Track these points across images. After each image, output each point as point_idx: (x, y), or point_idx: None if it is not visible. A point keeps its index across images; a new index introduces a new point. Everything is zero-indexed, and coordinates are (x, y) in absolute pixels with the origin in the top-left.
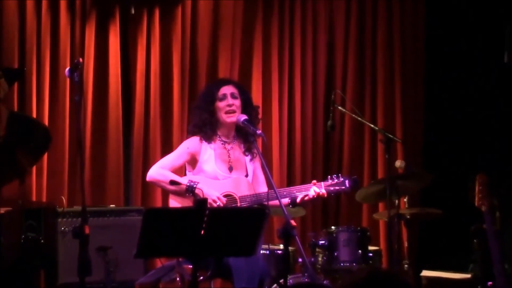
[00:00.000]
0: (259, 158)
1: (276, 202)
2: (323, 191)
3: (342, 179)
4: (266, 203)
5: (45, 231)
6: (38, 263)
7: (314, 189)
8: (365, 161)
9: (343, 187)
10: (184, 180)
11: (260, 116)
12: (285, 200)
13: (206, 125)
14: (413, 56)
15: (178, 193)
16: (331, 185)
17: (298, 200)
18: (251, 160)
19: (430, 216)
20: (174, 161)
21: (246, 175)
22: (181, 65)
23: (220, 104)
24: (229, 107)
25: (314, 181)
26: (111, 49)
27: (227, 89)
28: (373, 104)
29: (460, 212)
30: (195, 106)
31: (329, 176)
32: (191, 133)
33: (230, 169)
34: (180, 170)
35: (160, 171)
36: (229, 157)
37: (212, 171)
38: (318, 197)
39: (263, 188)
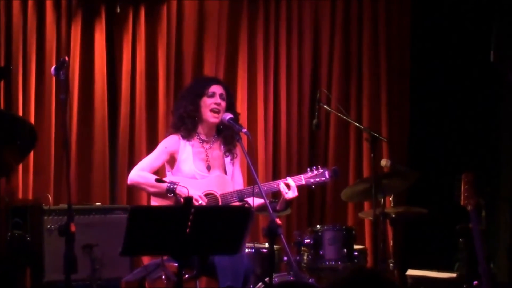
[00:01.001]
0: (238, 160)
1: (258, 199)
2: (291, 183)
3: (322, 170)
4: (246, 199)
5: (31, 228)
6: (24, 261)
7: (288, 182)
8: (351, 160)
9: (323, 178)
10: (165, 181)
11: (239, 122)
12: (261, 201)
13: (189, 117)
14: (398, 55)
15: (159, 195)
16: (311, 177)
17: (278, 207)
18: (231, 161)
19: (416, 215)
20: (153, 162)
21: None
22: (166, 64)
23: (208, 101)
24: (216, 105)
25: (288, 177)
26: (97, 48)
27: (217, 88)
28: (359, 102)
29: (445, 211)
30: (181, 96)
31: (308, 168)
32: (173, 126)
33: (208, 168)
34: (160, 171)
35: (140, 173)
36: (207, 155)
37: (190, 170)
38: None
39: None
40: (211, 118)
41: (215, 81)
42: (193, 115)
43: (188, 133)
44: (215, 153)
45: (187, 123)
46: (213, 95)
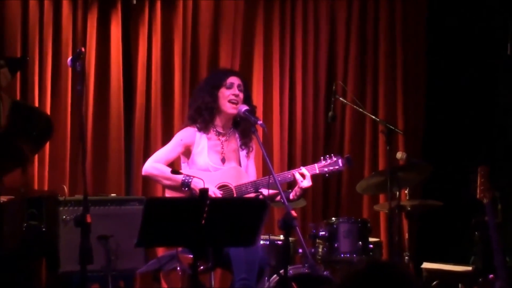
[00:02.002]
0: (253, 153)
1: (272, 190)
2: (305, 172)
3: (335, 158)
4: (261, 189)
5: (47, 219)
6: (40, 252)
7: (302, 172)
8: (366, 153)
9: (337, 167)
10: (180, 175)
11: (256, 115)
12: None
13: (207, 109)
14: (414, 48)
15: (173, 187)
16: (325, 165)
17: (291, 197)
18: (246, 155)
19: (431, 208)
20: (168, 154)
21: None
22: (182, 55)
23: (226, 92)
24: (235, 96)
25: (301, 167)
26: (113, 39)
27: (235, 80)
28: (374, 95)
29: (461, 204)
30: (199, 88)
31: (322, 157)
32: (190, 118)
33: (223, 160)
34: (176, 162)
35: (154, 165)
36: (222, 148)
37: (204, 163)
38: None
39: None
40: (229, 109)
41: (233, 72)
42: (211, 106)
43: (205, 125)
44: (231, 146)
45: (204, 115)
46: (231, 86)
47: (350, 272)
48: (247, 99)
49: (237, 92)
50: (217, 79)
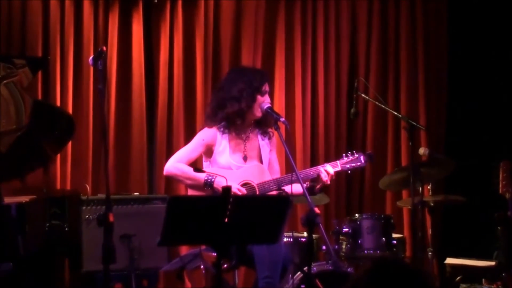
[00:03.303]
0: (275, 146)
1: (296, 186)
2: (330, 169)
3: (357, 155)
4: (284, 187)
5: (70, 219)
6: (63, 251)
7: (327, 169)
8: (389, 149)
9: (359, 163)
10: (202, 174)
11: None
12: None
13: (242, 115)
14: (436, 44)
15: (196, 187)
16: (347, 162)
17: (316, 189)
18: (267, 144)
19: (454, 203)
20: (189, 153)
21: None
22: (204, 53)
23: (261, 99)
24: (269, 104)
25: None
26: (134, 38)
27: (267, 86)
28: (396, 91)
29: (484, 199)
30: (240, 89)
31: (343, 154)
32: (219, 120)
33: (245, 158)
34: (197, 161)
35: (176, 165)
36: (244, 146)
37: (226, 162)
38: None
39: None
40: (259, 113)
41: (267, 77)
42: (246, 111)
43: (236, 128)
44: (253, 143)
45: (235, 122)
46: (265, 92)
47: (357, 273)
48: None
49: (269, 99)
50: (256, 85)
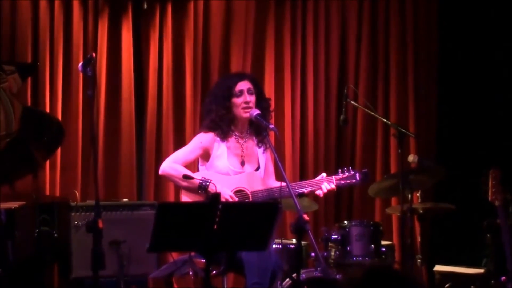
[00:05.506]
0: (271, 150)
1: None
2: (333, 186)
3: (353, 172)
4: (278, 197)
5: (59, 225)
6: (52, 257)
7: (326, 186)
8: (378, 156)
9: (354, 180)
10: (197, 177)
11: (272, 108)
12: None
13: (223, 121)
14: (426, 50)
15: (190, 189)
16: (342, 178)
17: (305, 191)
18: (264, 151)
19: (443, 210)
20: (187, 155)
21: (258, 167)
22: (193, 60)
23: (237, 101)
24: (246, 104)
25: (324, 174)
26: (124, 44)
27: (243, 85)
28: (386, 98)
29: (473, 207)
30: (210, 101)
31: (339, 170)
32: (207, 128)
33: (242, 163)
34: (193, 164)
35: (172, 165)
36: (242, 151)
37: (224, 167)
38: (329, 192)
39: (272, 179)
40: (243, 114)
41: (240, 77)
42: (227, 117)
43: (224, 135)
44: (250, 147)
45: (222, 126)
46: (241, 93)
47: (348, 280)
48: (260, 96)
49: (247, 98)
50: (226, 89)
